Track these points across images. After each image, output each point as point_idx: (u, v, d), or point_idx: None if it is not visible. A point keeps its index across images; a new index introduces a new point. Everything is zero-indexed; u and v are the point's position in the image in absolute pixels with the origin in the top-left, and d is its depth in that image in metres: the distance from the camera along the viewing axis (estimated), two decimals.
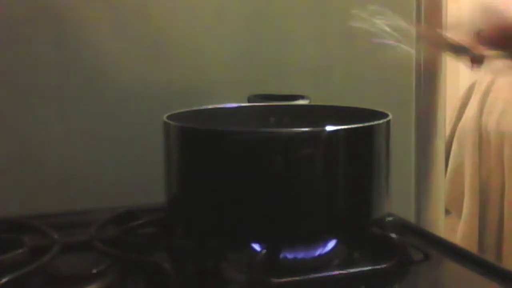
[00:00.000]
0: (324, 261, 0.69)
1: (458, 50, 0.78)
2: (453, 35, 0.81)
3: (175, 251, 0.70)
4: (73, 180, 0.95)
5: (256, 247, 0.66)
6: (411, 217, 1.13)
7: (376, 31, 0.71)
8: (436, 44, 0.77)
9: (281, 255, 0.66)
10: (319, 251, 0.69)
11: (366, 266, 0.68)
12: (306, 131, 0.66)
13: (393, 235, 0.69)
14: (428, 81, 1.15)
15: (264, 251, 0.63)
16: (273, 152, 0.65)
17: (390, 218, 0.74)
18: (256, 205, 0.66)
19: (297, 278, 0.63)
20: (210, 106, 0.84)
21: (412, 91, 1.15)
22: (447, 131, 2.22)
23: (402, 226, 0.77)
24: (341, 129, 0.67)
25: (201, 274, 0.67)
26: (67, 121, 0.95)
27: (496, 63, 0.78)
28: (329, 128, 0.65)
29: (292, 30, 1.04)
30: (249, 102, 0.91)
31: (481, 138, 2.16)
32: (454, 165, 2.22)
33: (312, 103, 0.89)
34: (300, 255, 0.68)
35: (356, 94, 1.07)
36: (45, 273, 0.66)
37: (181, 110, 0.77)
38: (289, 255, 0.68)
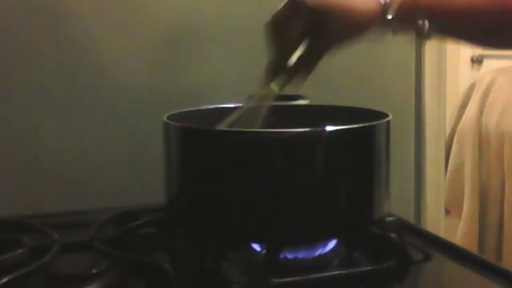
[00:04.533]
0: (324, 261, 0.69)
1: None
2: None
3: (175, 251, 0.70)
4: (73, 180, 0.95)
5: (256, 247, 0.66)
6: (411, 217, 1.13)
7: None
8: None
9: (281, 255, 0.66)
10: (319, 251, 0.69)
11: (366, 266, 0.68)
12: (306, 131, 0.66)
13: (393, 235, 0.69)
14: (428, 81, 1.15)
15: (264, 251, 0.63)
16: (273, 152, 0.65)
17: (390, 218, 0.74)
18: (256, 205, 0.66)
19: (297, 278, 0.63)
20: (210, 106, 0.84)
21: (412, 91, 1.15)
22: (447, 131, 2.22)
23: (402, 226, 0.77)
24: (341, 129, 0.67)
25: (201, 274, 0.67)
26: (67, 121, 0.95)
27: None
28: (329, 128, 0.65)
29: None
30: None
31: (481, 138, 2.17)
32: (454, 165, 2.23)
33: (312, 103, 0.89)
34: (301, 255, 0.68)
35: (356, 94, 1.07)
36: (45, 273, 0.66)
37: (181, 110, 0.77)
38: (289, 255, 0.68)
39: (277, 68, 0.72)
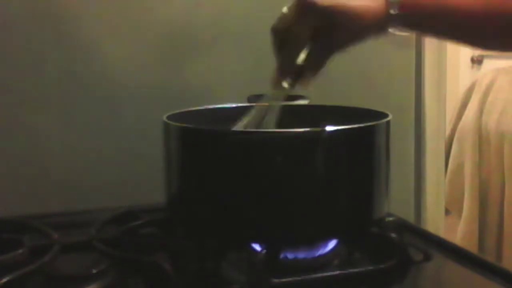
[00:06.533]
0: (325, 261, 0.69)
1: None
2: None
3: (175, 251, 0.70)
4: (73, 180, 0.95)
5: (256, 247, 0.66)
6: (411, 217, 1.13)
7: None
8: None
9: (282, 255, 0.66)
10: (320, 251, 0.69)
11: (366, 266, 0.68)
12: (306, 131, 0.66)
13: (393, 235, 0.69)
14: (428, 81, 1.15)
15: (264, 251, 0.63)
16: (273, 152, 0.65)
17: (390, 218, 0.74)
18: (256, 205, 0.66)
19: (298, 278, 0.63)
20: (210, 106, 0.84)
21: (412, 91, 1.15)
22: (447, 131, 2.22)
23: (402, 226, 0.77)
24: (341, 129, 0.67)
25: (201, 274, 0.67)
26: (67, 121, 0.95)
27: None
28: (329, 128, 0.65)
29: None
30: (249, 102, 0.91)
31: (481, 138, 2.16)
32: (454, 165, 2.23)
33: (312, 103, 0.89)
34: (301, 255, 0.68)
35: (356, 94, 1.07)
36: (45, 273, 0.66)
37: (181, 110, 0.77)
38: (290, 255, 0.68)
39: (286, 70, 0.72)
